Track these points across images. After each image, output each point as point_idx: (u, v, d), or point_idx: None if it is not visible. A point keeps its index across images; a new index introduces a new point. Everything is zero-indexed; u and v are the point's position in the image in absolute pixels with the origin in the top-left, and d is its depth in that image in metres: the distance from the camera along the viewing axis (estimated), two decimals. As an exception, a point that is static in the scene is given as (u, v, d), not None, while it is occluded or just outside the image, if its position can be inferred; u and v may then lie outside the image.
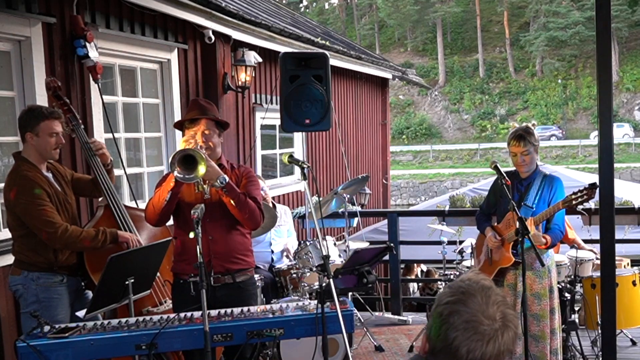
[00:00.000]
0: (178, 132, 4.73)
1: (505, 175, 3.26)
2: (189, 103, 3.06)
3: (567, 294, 4.00)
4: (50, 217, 2.82)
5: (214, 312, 2.62)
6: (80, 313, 2.97)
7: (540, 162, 9.76)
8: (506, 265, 3.39)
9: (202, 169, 2.61)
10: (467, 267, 4.43)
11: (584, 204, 3.24)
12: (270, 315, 2.61)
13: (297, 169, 6.98)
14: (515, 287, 3.36)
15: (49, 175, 2.96)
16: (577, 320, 4.17)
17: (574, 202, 3.16)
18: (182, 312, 2.66)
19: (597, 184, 3.16)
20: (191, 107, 2.97)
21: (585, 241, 4.82)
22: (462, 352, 1.22)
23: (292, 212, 5.19)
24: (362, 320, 4.75)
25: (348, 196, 4.94)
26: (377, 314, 5.44)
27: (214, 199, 2.82)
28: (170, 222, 2.98)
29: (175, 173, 2.62)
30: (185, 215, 2.81)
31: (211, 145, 2.86)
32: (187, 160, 2.64)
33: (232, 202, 2.76)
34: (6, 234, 3.32)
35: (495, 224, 3.56)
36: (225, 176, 2.73)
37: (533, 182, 3.39)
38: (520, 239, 3.09)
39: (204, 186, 2.79)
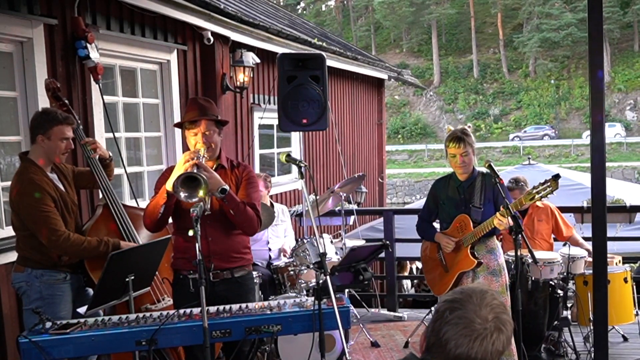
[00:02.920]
0: (177, 132, 4.79)
1: (498, 174, 3.28)
2: (188, 102, 3.03)
3: (559, 291, 4.03)
4: (54, 224, 2.83)
5: (212, 309, 2.65)
6: (81, 309, 2.99)
7: (534, 162, 9.86)
8: (467, 269, 3.37)
9: (201, 192, 2.60)
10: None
11: (548, 196, 3.17)
12: (268, 312, 2.63)
13: (294, 168, 7.03)
14: None
15: (54, 176, 2.99)
16: (569, 317, 4.21)
17: (537, 196, 3.12)
18: (181, 308, 2.69)
19: (560, 175, 3.14)
20: (190, 106, 2.94)
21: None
22: (451, 346, 1.26)
23: (290, 211, 5.23)
24: (359, 317, 4.81)
25: (344, 194, 4.98)
26: (373, 310, 5.46)
27: (214, 205, 2.83)
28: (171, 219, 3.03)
29: (181, 194, 2.60)
30: (184, 215, 2.82)
31: (212, 146, 2.88)
32: (189, 179, 2.62)
33: (231, 211, 2.78)
34: (8, 232, 3.36)
35: (439, 230, 3.53)
36: (226, 186, 2.73)
37: (474, 183, 3.39)
38: (514, 238, 3.07)
39: (205, 198, 2.73)
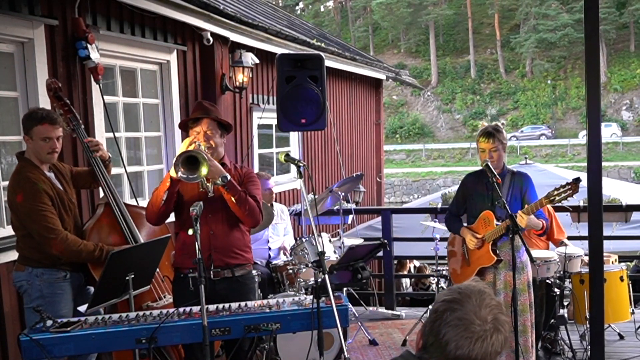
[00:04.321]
0: (177, 131, 4.81)
1: (495, 173, 3.30)
2: (194, 105, 3.15)
3: (556, 289, 4.05)
4: (51, 223, 2.85)
5: (212, 307, 2.67)
6: (82, 308, 3.00)
7: (530, 161, 9.90)
8: (487, 265, 3.40)
9: (204, 170, 2.67)
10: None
11: (568, 199, 3.20)
12: (267, 310, 2.64)
13: (293, 168, 7.06)
14: (494, 285, 3.39)
15: (51, 175, 3.00)
16: (566, 315, 4.21)
17: (557, 198, 3.15)
18: (181, 306, 2.72)
19: (580, 178, 3.17)
20: (195, 108, 3.06)
21: (575, 238, 4.91)
22: (451, 348, 1.26)
23: (289, 210, 5.26)
24: (357, 315, 4.84)
25: (343, 194, 5.00)
26: (371, 308, 5.50)
27: (216, 195, 2.89)
28: (172, 218, 3.06)
29: (179, 174, 2.67)
30: (187, 212, 2.85)
31: (212, 145, 2.92)
32: (190, 161, 2.70)
33: (232, 199, 2.83)
34: (9, 231, 3.37)
35: (466, 224, 3.56)
36: (227, 174, 2.80)
37: (503, 180, 3.41)
38: (511, 236, 3.13)
39: (207, 184, 2.84)
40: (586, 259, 4.07)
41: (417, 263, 8.10)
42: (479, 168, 3.50)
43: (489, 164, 3.34)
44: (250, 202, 2.88)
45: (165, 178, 2.82)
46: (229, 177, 2.80)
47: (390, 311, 5.38)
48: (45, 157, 2.92)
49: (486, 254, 3.41)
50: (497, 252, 3.40)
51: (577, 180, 3.13)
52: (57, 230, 2.85)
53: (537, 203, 3.24)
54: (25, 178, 2.85)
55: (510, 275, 3.36)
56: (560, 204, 3.36)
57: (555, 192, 3.16)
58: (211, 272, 2.88)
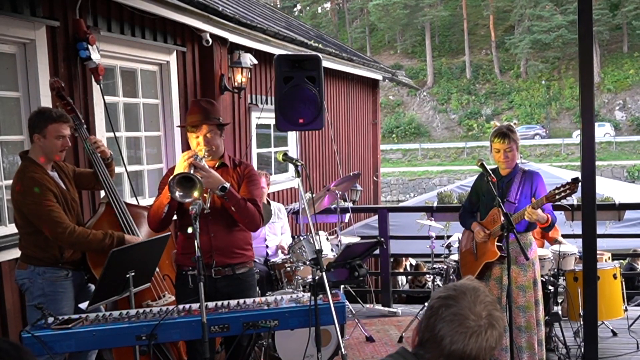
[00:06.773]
0: (177, 131, 4.85)
1: (490, 172, 3.35)
2: (190, 104, 3.07)
3: (550, 287, 4.09)
4: (58, 217, 2.88)
5: (211, 304, 2.69)
6: (83, 305, 3.02)
7: (525, 160, 9.96)
8: (491, 260, 3.46)
9: (196, 193, 2.63)
10: (455, 261, 4.51)
11: (567, 198, 3.28)
12: (266, 307, 2.66)
13: (291, 167, 7.08)
14: (501, 280, 3.43)
15: (54, 174, 3.03)
16: (560, 312, 4.26)
17: (557, 197, 3.22)
18: (181, 304, 2.74)
19: (579, 178, 3.24)
20: (192, 109, 2.98)
21: (569, 236, 4.96)
22: (446, 343, 1.28)
23: (287, 208, 5.30)
24: (354, 312, 4.84)
25: (340, 193, 5.04)
26: (368, 306, 5.54)
27: (217, 202, 2.89)
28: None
29: (177, 193, 2.65)
30: (187, 213, 2.84)
31: (214, 148, 2.93)
32: (185, 179, 2.67)
33: (232, 208, 2.84)
34: (11, 229, 3.40)
35: (479, 220, 3.62)
36: (226, 184, 2.78)
37: (514, 179, 3.48)
38: (505, 234, 3.17)
39: (205, 195, 2.80)
40: (580, 256, 4.12)
41: (412, 261, 8.15)
42: (492, 167, 3.56)
43: (484, 162, 3.39)
44: (250, 209, 2.87)
45: (165, 191, 2.80)
46: (228, 186, 2.78)
47: (386, 308, 5.42)
48: (56, 154, 2.96)
49: (491, 250, 3.47)
50: (503, 248, 3.44)
51: (575, 180, 3.20)
52: (65, 223, 2.89)
53: (540, 201, 3.31)
54: (29, 178, 2.88)
55: (516, 271, 3.42)
56: (559, 203, 3.43)
57: (556, 191, 3.23)
58: (212, 270, 2.90)
